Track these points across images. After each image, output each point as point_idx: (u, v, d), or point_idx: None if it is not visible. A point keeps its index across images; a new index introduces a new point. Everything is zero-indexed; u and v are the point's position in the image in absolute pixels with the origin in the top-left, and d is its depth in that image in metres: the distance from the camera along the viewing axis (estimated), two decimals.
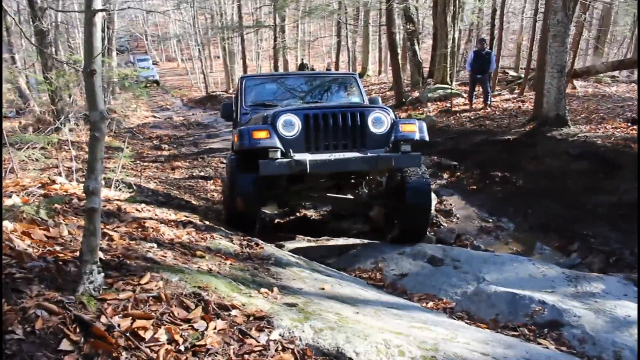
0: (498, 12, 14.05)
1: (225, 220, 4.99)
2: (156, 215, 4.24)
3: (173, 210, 4.99)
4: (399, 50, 16.12)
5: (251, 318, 2.12)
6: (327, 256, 5.23)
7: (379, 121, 4.69)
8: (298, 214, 8.20)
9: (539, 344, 2.86)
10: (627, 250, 6.27)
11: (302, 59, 27.17)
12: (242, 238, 4.11)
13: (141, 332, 1.87)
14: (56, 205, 3.79)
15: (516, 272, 4.09)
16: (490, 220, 7.57)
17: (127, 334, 1.83)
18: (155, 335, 1.87)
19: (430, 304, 3.71)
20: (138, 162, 10.96)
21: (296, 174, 4.43)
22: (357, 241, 5.76)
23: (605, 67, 13.44)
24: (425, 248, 4.77)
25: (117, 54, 27.13)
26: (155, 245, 3.13)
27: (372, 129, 4.66)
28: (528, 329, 3.03)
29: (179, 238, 3.54)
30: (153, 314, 2.00)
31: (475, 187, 8.50)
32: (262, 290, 2.64)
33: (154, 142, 14.80)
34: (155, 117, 22.95)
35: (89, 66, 1.76)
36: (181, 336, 1.89)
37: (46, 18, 11.18)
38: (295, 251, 4.97)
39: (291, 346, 1.95)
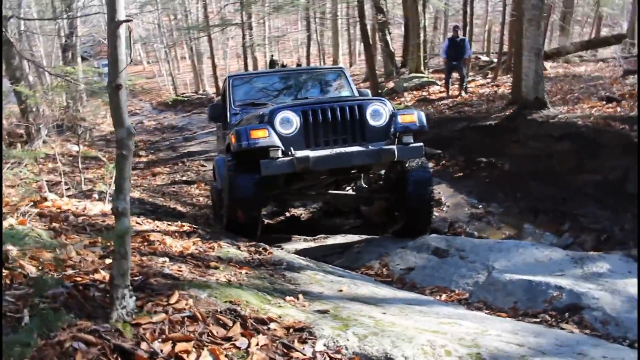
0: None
1: (225, 226, 4.86)
2: (157, 227, 4.13)
3: (171, 219, 4.89)
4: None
5: (291, 330, 2.07)
6: (329, 255, 5.19)
7: (378, 113, 4.63)
8: (287, 214, 8.14)
9: (562, 329, 2.89)
10: (617, 227, 6.41)
11: (272, 56, 26.98)
12: (248, 244, 4.04)
13: (184, 356, 1.80)
14: (54, 224, 3.67)
15: (523, 258, 4.12)
16: (480, 206, 7.64)
17: (173, 359, 1.76)
18: (200, 358, 1.80)
19: (444, 296, 3.71)
20: None
21: (299, 172, 4.35)
22: (356, 237, 5.73)
23: (574, 47, 13.70)
24: (427, 240, 4.77)
25: (82, 60, 26.53)
26: (167, 259, 3.05)
27: (371, 121, 4.60)
28: (549, 315, 3.05)
29: (187, 249, 3.46)
30: (192, 335, 1.93)
31: (461, 174, 8.57)
32: (288, 298, 2.59)
33: None
34: None
35: (115, 80, 1.68)
36: (226, 356, 1.84)
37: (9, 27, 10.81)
38: (296, 253, 4.91)
39: (338, 356, 1.91)
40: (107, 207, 4.73)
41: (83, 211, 4.19)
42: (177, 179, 10.32)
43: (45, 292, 2.24)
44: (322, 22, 25.55)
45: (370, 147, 4.44)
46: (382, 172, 5.47)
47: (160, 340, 1.87)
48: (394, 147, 4.40)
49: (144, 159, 12.62)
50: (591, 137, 7.67)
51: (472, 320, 2.75)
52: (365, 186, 5.66)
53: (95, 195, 5.17)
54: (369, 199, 5.65)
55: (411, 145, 4.54)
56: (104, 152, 12.26)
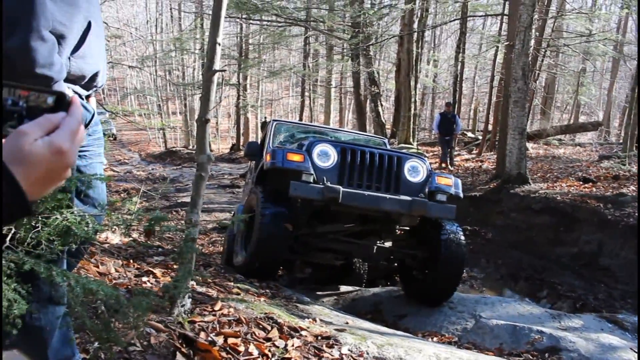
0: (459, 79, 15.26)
1: (245, 262, 4.58)
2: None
3: None
4: None
5: (319, 337, 2.44)
6: (325, 302, 5.51)
7: (415, 170, 4.60)
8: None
9: None
10: (591, 295, 6.86)
11: (265, 118, 27.89)
12: (259, 282, 4.37)
13: (236, 347, 2.16)
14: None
15: (507, 311, 4.52)
16: (464, 271, 8.06)
17: (227, 349, 2.12)
18: (249, 350, 2.16)
19: (435, 339, 4.07)
20: (113, 213, 10.96)
21: (326, 202, 4.20)
22: (349, 288, 6.07)
23: (554, 131, 14.65)
24: None
25: None
26: (194, 283, 3.40)
27: (408, 176, 4.55)
28: (531, 355, 3.43)
29: (207, 280, 3.80)
30: (239, 333, 2.29)
31: None
32: (307, 320, 2.95)
33: (122, 195, 14.78)
34: (114, 170, 22.79)
35: (204, 115, 2.12)
36: (269, 351, 2.19)
37: None
38: None
39: (361, 359, 2.27)
40: (123, 238, 5.07)
41: (106, 240, 4.55)
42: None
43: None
44: (315, 89, 26.75)
45: (402, 197, 4.30)
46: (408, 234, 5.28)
47: (214, 334, 2.23)
48: (427, 201, 4.29)
49: (138, 206, 12.88)
50: (569, 212, 8.26)
51: (466, 352, 3.12)
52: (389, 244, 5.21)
53: (115, 228, 5.49)
54: (394, 253, 5.17)
55: (444, 204, 4.41)
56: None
